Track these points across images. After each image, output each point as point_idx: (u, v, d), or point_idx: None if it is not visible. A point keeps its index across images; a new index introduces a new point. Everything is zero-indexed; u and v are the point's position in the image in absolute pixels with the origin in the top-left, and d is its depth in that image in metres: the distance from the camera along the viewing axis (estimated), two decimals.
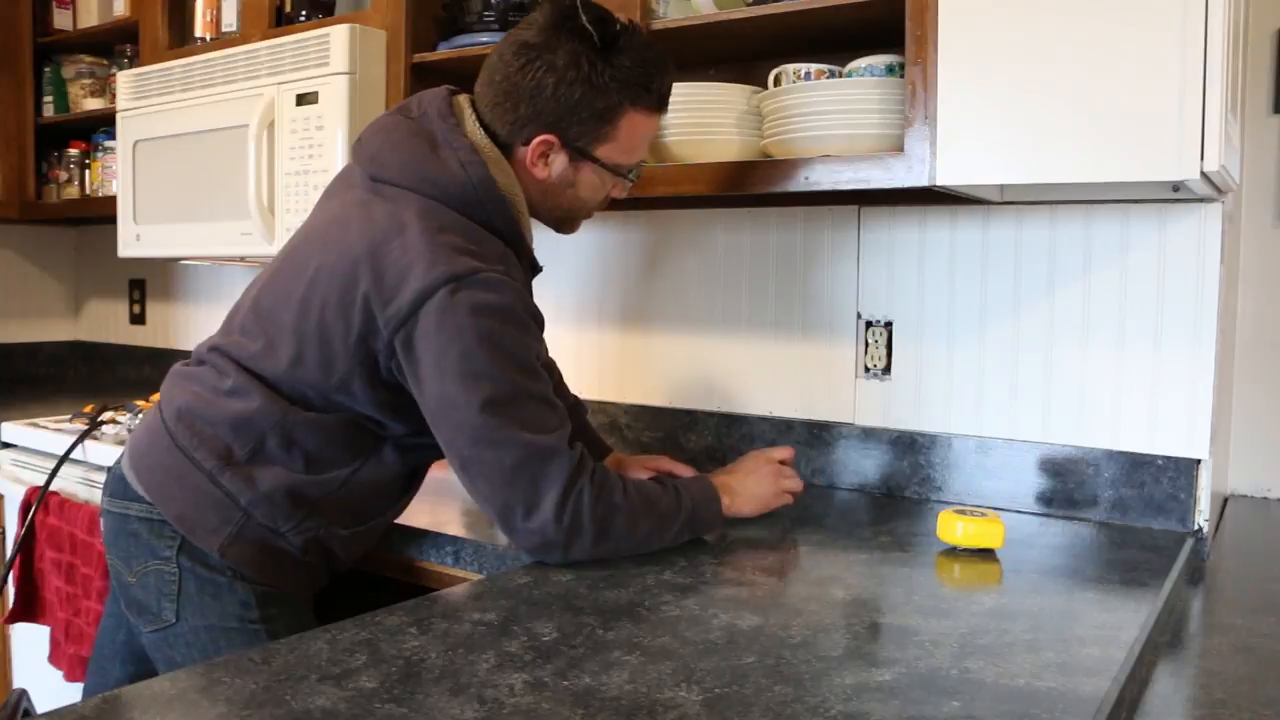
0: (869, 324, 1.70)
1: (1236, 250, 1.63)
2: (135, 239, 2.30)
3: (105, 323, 3.20)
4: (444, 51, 1.84)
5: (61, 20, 2.80)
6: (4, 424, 2.24)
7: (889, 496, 1.66)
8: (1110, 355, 1.49)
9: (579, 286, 2.03)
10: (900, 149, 1.35)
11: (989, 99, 1.22)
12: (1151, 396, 1.46)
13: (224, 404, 1.24)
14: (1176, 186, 1.29)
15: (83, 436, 1.98)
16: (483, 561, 1.35)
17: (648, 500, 1.24)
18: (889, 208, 1.66)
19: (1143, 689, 0.96)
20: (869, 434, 1.69)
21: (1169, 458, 1.45)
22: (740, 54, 1.73)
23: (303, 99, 1.91)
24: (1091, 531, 1.43)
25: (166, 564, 1.24)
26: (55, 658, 1.96)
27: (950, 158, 1.25)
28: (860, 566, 1.24)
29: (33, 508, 1.99)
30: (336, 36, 1.86)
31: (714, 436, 1.85)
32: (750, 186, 1.48)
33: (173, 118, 2.18)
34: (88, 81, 2.78)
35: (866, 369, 1.70)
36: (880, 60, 1.46)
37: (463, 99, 1.31)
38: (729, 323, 1.85)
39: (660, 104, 1.31)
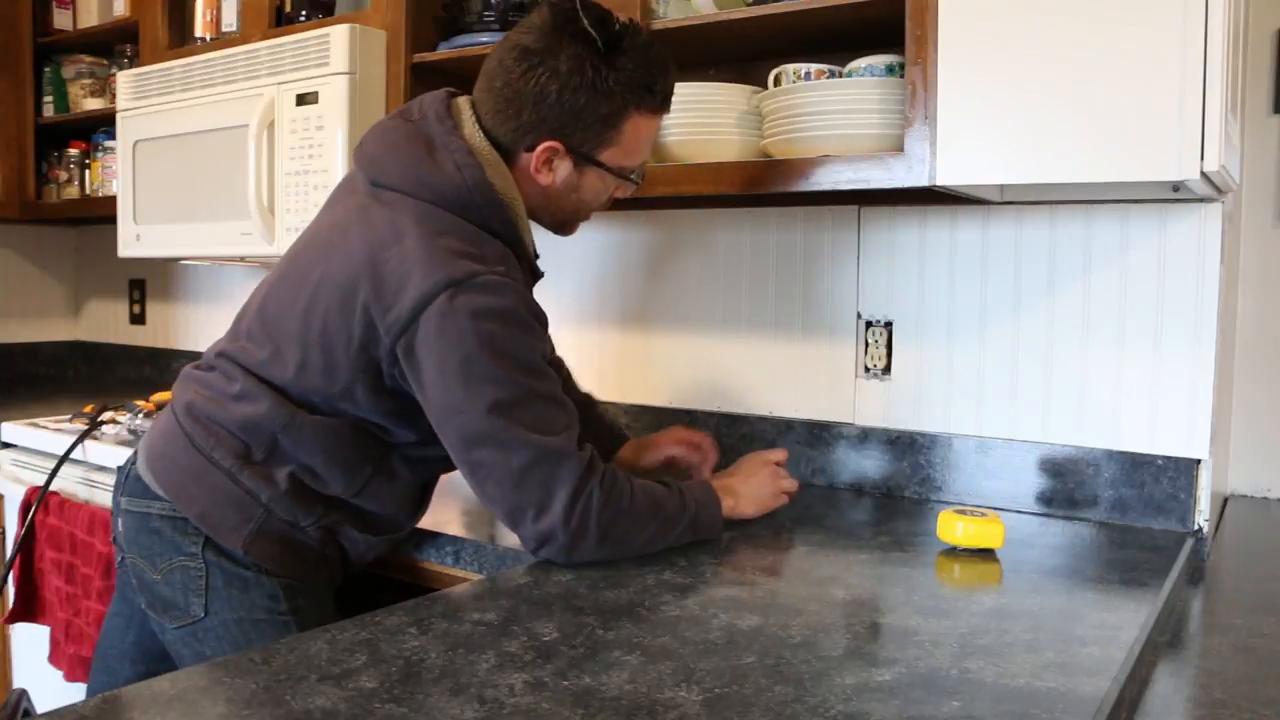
0: (869, 324, 1.70)
1: (1236, 250, 1.63)
2: (135, 239, 2.30)
3: (105, 323, 3.20)
4: (444, 51, 1.84)
5: (61, 20, 2.80)
6: (4, 424, 2.24)
7: (889, 496, 1.66)
8: (1110, 355, 1.49)
9: (579, 287, 2.03)
10: (900, 149, 1.35)
11: (989, 99, 1.22)
12: (1151, 396, 1.46)
13: (233, 408, 1.25)
14: (1176, 186, 1.29)
15: (83, 436, 1.98)
16: (483, 561, 1.35)
17: (654, 503, 1.24)
18: (889, 208, 1.66)
19: (1143, 689, 0.96)
20: (869, 434, 1.69)
21: (1169, 458, 1.45)
22: (740, 54, 1.73)
23: (303, 99, 1.91)
24: (1091, 531, 1.43)
25: (192, 560, 1.24)
26: (55, 658, 1.96)
27: (950, 158, 1.25)
28: (860, 566, 1.24)
29: (33, 508, 1.99)
30: (336, 36, 1.86)
31: (714, 436, 1.84)
32: (750, 186, 1.48)
33: (173, 118, 2.18)
34: (88, 81, 2.78)
35: (866, 369, 1.70)
36: (880, 60, 1.46)
37: (463, 101, 1.30)
38: (729, 323, 1.85)
39: (663, 104, 1.30)
